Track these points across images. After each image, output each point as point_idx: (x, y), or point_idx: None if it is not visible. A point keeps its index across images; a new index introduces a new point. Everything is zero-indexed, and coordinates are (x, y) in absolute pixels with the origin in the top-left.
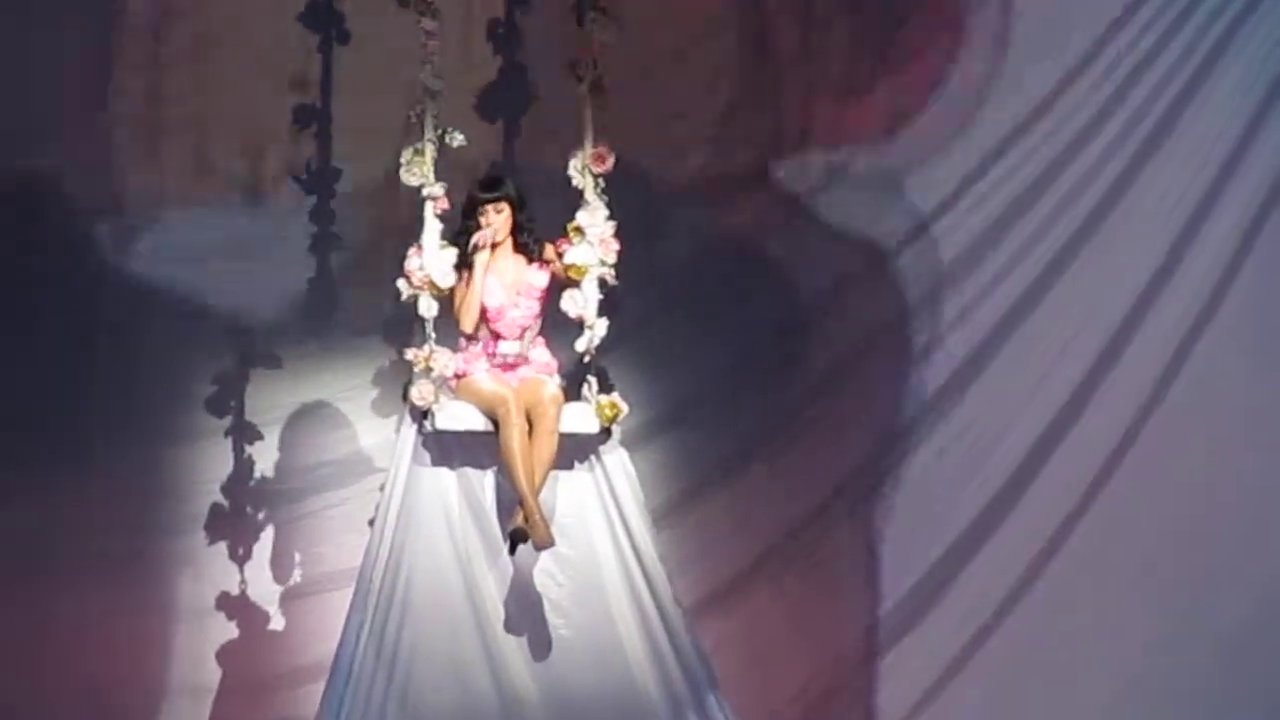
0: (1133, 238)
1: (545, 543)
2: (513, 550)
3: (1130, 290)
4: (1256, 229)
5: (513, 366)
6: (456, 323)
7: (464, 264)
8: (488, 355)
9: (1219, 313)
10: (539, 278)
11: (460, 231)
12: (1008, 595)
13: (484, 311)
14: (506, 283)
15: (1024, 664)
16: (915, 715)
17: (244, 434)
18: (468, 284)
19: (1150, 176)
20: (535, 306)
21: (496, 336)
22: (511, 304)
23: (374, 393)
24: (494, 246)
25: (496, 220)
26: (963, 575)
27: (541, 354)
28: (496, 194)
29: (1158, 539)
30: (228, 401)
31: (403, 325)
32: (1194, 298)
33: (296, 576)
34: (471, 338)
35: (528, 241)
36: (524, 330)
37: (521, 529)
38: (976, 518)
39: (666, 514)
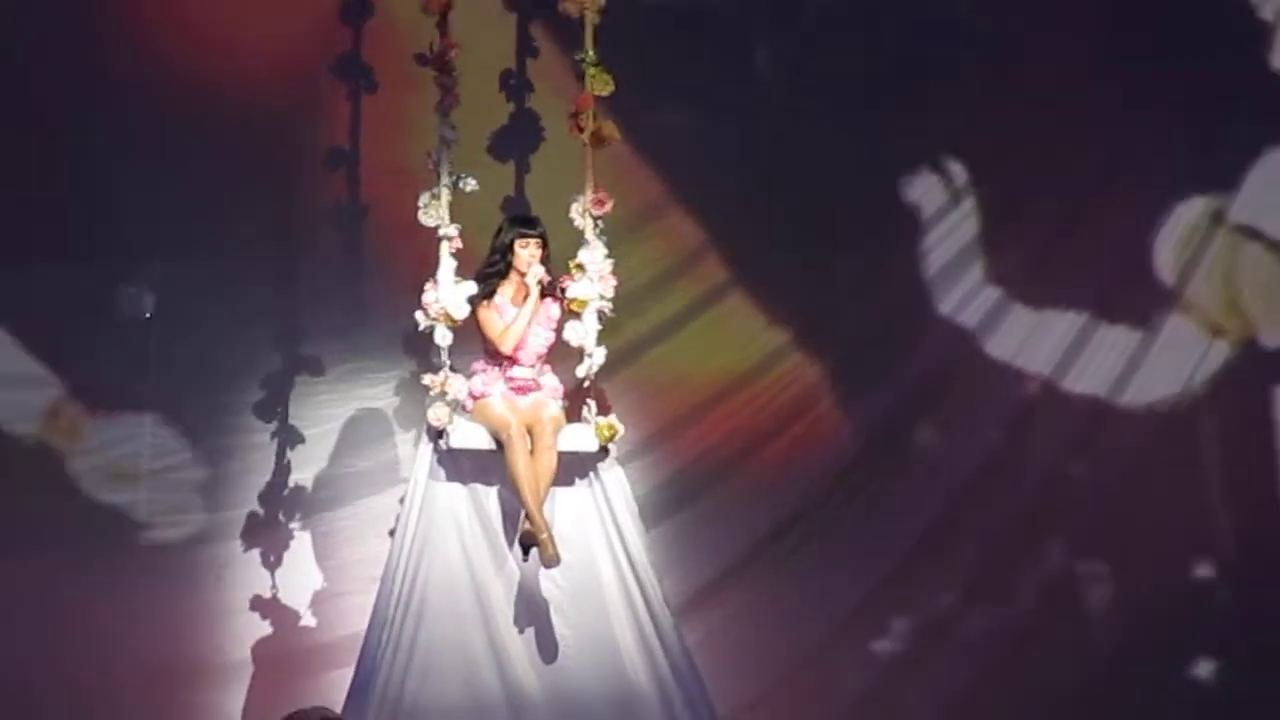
0: None
1: (552, 561)
2: (526, 553)
3: None
4: None
5: (526, 390)
6: (495, 345)
7: (486, 292)
8: (504, 379)
9: None
10: (554, 310)
11: (490, 265)
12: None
13: None
14: None
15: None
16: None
17: (288, 440)
18: (491, 309)
19: None
20: (552, 336)
21: (513, 362)
22: (533, 333)
23: (395, 401)
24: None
25: (539, 254)
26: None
27: (550, 379)
28: (541, 230)
29: None
30: (273, 409)
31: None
32: None
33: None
34: (495, 361)
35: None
36: (539, 357)
37: (530, 532)
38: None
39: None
